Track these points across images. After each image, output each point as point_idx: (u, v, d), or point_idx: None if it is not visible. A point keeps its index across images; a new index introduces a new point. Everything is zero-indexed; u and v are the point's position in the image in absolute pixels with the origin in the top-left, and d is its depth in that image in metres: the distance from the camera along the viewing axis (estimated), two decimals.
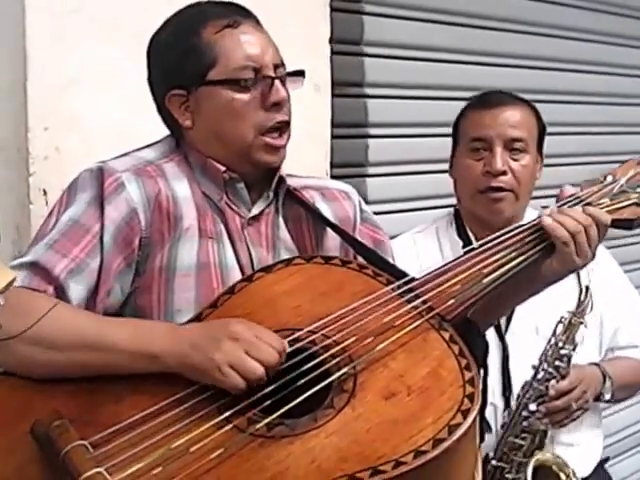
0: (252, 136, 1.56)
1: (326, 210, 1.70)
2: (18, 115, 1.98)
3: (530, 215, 2.10)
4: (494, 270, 1.49)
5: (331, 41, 2.60)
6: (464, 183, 2.19)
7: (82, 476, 1.18)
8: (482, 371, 1.38)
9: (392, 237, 2.79)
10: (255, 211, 1.63)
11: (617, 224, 1.58)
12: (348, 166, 2.80)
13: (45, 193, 1.95)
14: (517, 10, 3.40)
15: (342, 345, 1.36)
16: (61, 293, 1.44)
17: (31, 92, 1.96)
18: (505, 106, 2.16)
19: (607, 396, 2.14)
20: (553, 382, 2.04)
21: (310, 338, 1.38)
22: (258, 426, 1.27)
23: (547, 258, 1.54)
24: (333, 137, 2.64)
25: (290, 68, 1.63)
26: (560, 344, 2.06)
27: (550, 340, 2.08)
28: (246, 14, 1.61)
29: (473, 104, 2.22)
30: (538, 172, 2.21)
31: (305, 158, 2.43)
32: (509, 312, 1.62)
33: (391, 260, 1.66)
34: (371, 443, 1.24)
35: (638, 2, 4.00)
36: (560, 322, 2.08)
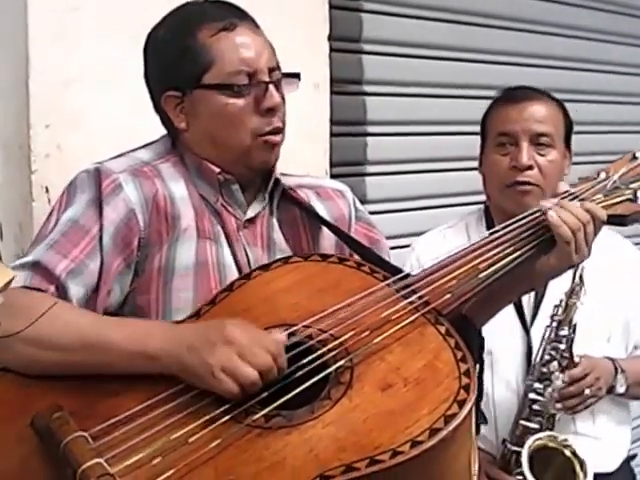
0: (249, 140, 1.57)
1: (321, 209, 1.71)
2: (20, 113, 2.00)
3: None
4: (490, 265, 1.50)
5: (330, 39, 2.62)
6: (492, 178, 2.22)
7: (82, 467, 1.19)
8: (478, 365, 1.39)
9: (391, 237, 2.81)
10: (251, 214, 1.64)
11: (611, 220, 1.59)
12: (347, 164, 2.82)
13: (47, 190, 1.97)
14: (516, 8, 3.42)
15: (339, 339, 1.37)
16: (62, 292, 1.45)
17: (33, 90, 1.97)
18: (531, 101, 2.18)
19: (620, 389, 2.14)
20: (555, 364, 2.06)
21: (307, 332, 1.39)
22: (256, 417, 1.29)
23: (543, 254, 1.54)
24: (332, 135, 2.66)
25: (289, 67, 1.64)
26: (557, 324, 2.08)
27: (549, 322, 2.10)
28: (243, 16, 1.61)
29: (500, 99, 2.25)
30: (567, 168, 2.22)
31: (304, 156, 2.45)
32: (505, 307, 1.63)
33: (387, 258, 1.67)
34: (368, 433, 1.25)
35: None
36: (557, 305, 2.10)
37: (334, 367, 1.34)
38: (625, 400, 2.26)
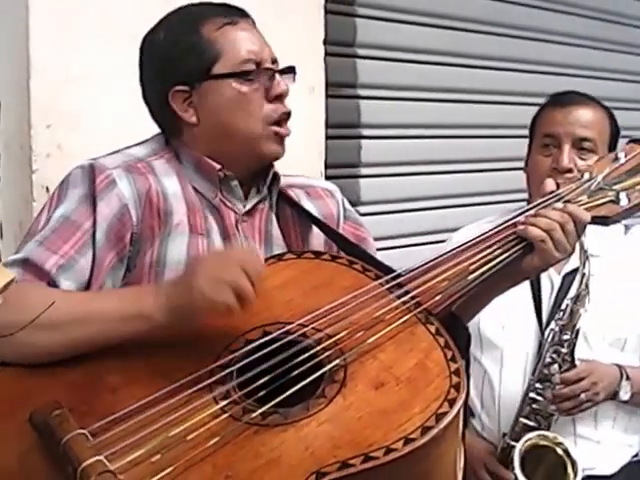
0: (261, 128, 1.60)
1: (311, 208, 1.74)
2: (21, 113, 2.01)
3: None
4: (479, 267, 1.53)
5: (325, 43, 2.65)
6: (533, 178, 2.23)
7: (83, 464, 1.21)
8: (464, 362, 1.42)
9: (384, 238, 2.85)
10: (248, 206, 1.66)
11: (594, 221, 1.63)
12: (342, 166, 2.85)
13: (48, 190, 1.98)
14: (508, 15, 3.46)
15: (334, 338, 1.40)
16: (53, 287, 1.47)
17: (34, 90, 1.99)
18: (578, 105, 2.21)
19: (624, 396, 2.15)
20: (555, 367, 2.09)
21: (302, 331, 1.41)
22: (253, 415, 1.31)
23: (528, 254, 1.58)
24: (327, 137, 2.69)
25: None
26: (559, 328, 2.11)
27: (552, 326, 2.13)
28: (242, 14, 1.66)
29: (548, 102, 2.29)
30: None
31: (300, 158, 2.46)
32: (488, 304, 1.67)
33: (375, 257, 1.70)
34: (362, 431, 1.28)
35: (633, 10, 4.06)
36: (561, 310, 2.13)
37: (329, 366, 1.37)
38: (631, 407, 2.25)
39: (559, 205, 1.60)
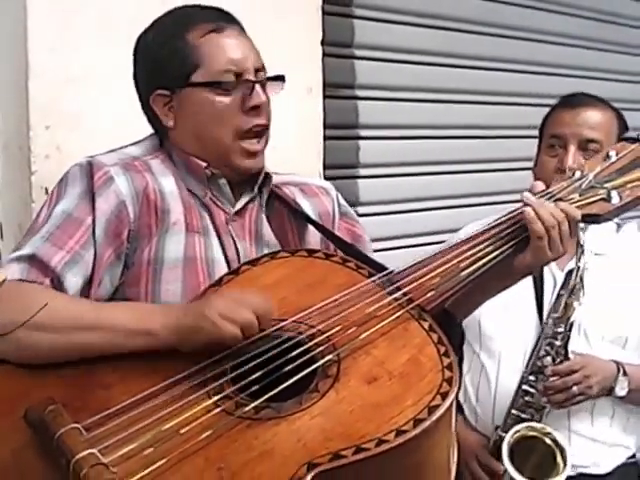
0: (230, 140, 1.61)
1: (306, 206, 1.76)
2: (20, 114, 2.02)
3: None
4: (471, 264, 1.54)
5: (323, 44, 2.66)
6: (538, 178, 2.23)
7: (76, 457, 1.22)
8: (457, 358, 1.42)
9: (383, 239, 2.86)
10: (238, 206, 1.68)
11: (585, 219, 1.64)
12: (340, 167, 2.86)
13: (47, 191, 1.98)
14: (504, 15, 3.47)
15: (327, 334, 1.41)
16: (58, 284, 1.49)
17: (33, 91, 2.00)
18: (586, 107, 2.22)
19: (621, 392, 2.15)
20: (548, 359, 2.10)
21: (296, 327, 1.43)
22: (246, 409, 1.33)
23: (520, 252, 1.59)
24: (325, 138, 2.69)
25: (282, 72, 1.68)
26: (553, 321, 2.12)
27: (546, 318, 2.15)
28: (230, 19, 1.66)
29: (558, 104, 2.30)
30: None
31: (298, 159, 2.48)
32: (483, 303, 1.68)
33: (370, 254, 1.71)
34: (354, 423, 1.29)
35: (630, 10, 4.06)
36: (556, 302, 2.14)
37: (322, 361, 1.38)
38: (630, 406, 2.24)
39: (552, 203, 1.60)
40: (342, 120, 2.88)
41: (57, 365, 1.42)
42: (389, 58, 3.04)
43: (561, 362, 2.11)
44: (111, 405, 1.31)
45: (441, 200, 3.24)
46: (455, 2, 3.26)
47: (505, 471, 2.05)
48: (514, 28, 3.52)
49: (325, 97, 2.69)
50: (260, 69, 1.65)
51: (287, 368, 1.37)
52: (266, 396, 1.33)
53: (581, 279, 2.11)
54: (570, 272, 2.16)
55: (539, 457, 2.06)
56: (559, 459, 2.03)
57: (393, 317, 1.45)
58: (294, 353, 1.38)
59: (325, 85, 2.68)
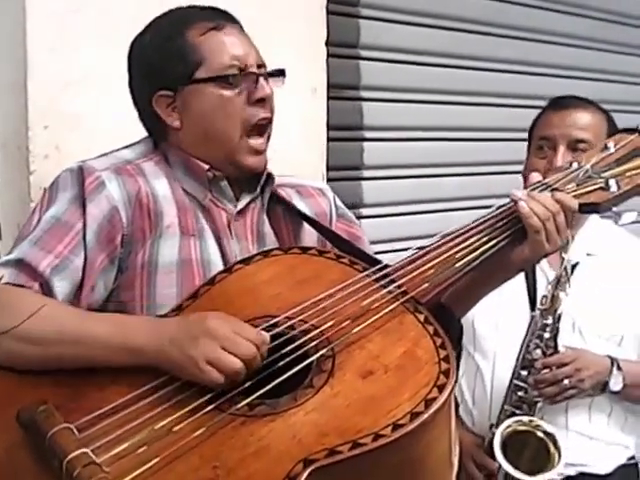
0: (238, 136, 1.60)
1: (302, 207, 1.74)
2: (19, 114, 2.03)
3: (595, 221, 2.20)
4: (466, 255, 1.52)
5: (327, 44, 2.65)
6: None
7: (68, 456, 1.21)
8: (456, 353, 1.41)
9: (386, 241, 2.84)
10: (240, 205, 1.67)
11: (584, 209, 1.61)
12: (344, 169, 2.85)
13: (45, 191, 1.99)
14: (511, 16, 3.46)
15: (320, 329, 1.40)
16: (46, 289, 1.48)
17: (32, 91, 2.00)
18: (575, 108, 2.23)
19: (615, 387, 2.13)
20: (538, 352, 2.09)
21: (289, 323, 1.41)
22: (239, 406, 1.31)
23: (517, 243, 1.56)
24: (329, 139, 2.69)
25: (287, 72, 1.67)
26: (540, 313, 2.11)
27: (535, 311, 2.14)
28: (229, 18, 1.66)
29: (547, 106, 2.30)
30: None
31: (301, 160, 2.48)
32: (483, 298, 1.65)
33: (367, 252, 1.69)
34: (350, 418, 1.27)
35: (638, 11, 4.04)
36: (544, 295, 2.12)
37: (316, 356, 1.36)
38: (628, 404, 2.23)
39: (548, 193, 1.58)
40: (346, 121, 2.88)
41: None
42: (395, 59, 3.03)
43: (551, 355, 2.09)
44: (104, 405, 1.30)
45: (447, 202, 3.22)
46: (462, 2, 3.26)
47: (500, 467, 2.03)
48: (522, 29, 3.51)
49: (329, 98, 2.69)
50: (261, 65, 1.65)
51: (281, 364, 1.35)
52: (259, 392, 1.32)
53: (566, 270, 2.09)
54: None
55: (533, 451, 2.04)
56: (552, 449, 2.00)
57: (387, 310, 1.43)
58: (287, 348, 1.37)
59: (329, 86, 2.68)
